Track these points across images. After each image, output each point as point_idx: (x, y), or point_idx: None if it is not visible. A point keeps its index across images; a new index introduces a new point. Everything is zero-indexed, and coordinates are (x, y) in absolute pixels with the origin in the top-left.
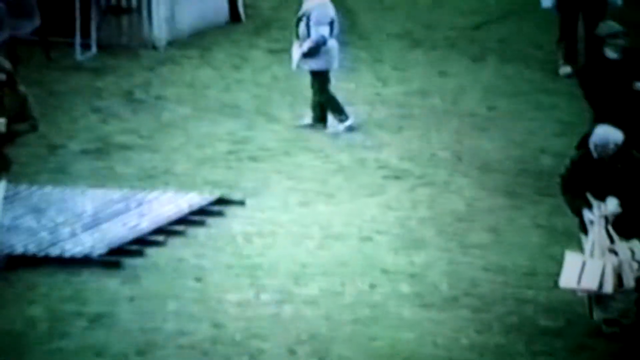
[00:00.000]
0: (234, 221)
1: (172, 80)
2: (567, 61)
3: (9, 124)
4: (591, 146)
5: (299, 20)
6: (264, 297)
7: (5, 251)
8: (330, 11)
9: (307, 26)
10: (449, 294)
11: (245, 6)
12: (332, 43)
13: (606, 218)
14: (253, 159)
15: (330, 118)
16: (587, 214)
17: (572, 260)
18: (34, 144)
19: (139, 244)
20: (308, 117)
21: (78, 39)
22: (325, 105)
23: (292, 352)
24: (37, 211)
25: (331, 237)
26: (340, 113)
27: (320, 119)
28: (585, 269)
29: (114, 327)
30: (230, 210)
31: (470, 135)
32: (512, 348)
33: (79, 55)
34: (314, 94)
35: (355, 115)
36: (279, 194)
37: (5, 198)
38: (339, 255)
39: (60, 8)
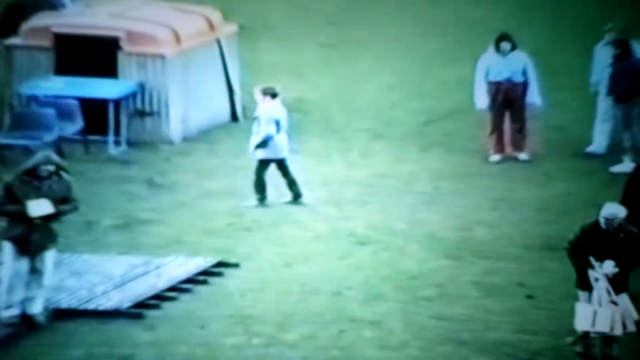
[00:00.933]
0: (231, 280)
1: (184, 168)
2: (496, 151)
3: (56, 205)
4: (601, 219)
5: (254, 119)
6: (255, 341)
7: (52, 306)
8: (278, 113)
9: (259, 125)
10: (402, 338)
11: (243, 108)
12: (279, 138)
13: (607, 276)
14: (247, 229)
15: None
16: (592, 273)
17: (584, 309)
18: (75, 221)
19: (157, 299)
20: (288, 196)
21: (111, 137)
22: (259, 184)
23: None
24: (77, 274)
25: (309, 292)
26: (260, 193)
27: (297, 196)
28: (597, 316)
29: None
30: (228, 271)
31: (420, 209)
32: None
33: (111, 150)
34: (285, 176)
35: (330, 192)
36: (267, 257)
37: (54, 264)
38: (315, 306)
39: (97, 112)
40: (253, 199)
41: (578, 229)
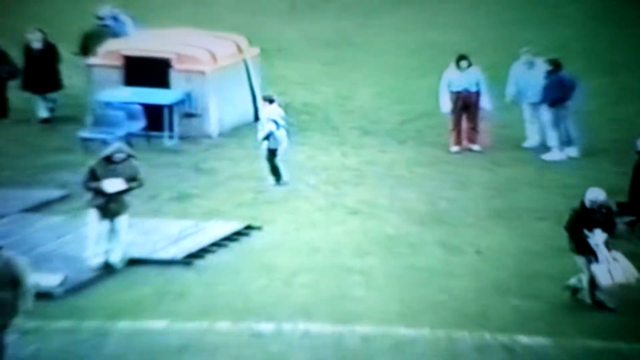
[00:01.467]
0: (256, 239)
1: (220, 157)
2: (455, 144)
3: (127, 183)
4: (586, 202)
5: (258, 120)
6: (275, 281)
7: (126, 256)
8: (274, 114)
9: (262, 124)
10: (383, 282)
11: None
12: (279, 133)
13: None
14: (267, 202)
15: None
16: (591, 241)
17: (600, 268)
18: (141, 194)
19: (202, 252)
20: (287, 177)
21: (166, 133)
22: (277, 168)
23: (306, 313)
24: (144, 233)
25: (313, 249)
26: (274, 175)
27: (278, 179)
28: (612, 271)
29: (189, 297)
30: (253, 233)
31: (398, 188)
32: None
33: (166, 143)
34: (269, 161)
35: (329, 175)
36: (282, 224)
37: (127, 226)
38: (318, 260)
39: (155, 114)
40: (271, 180)
41: (571, 212)
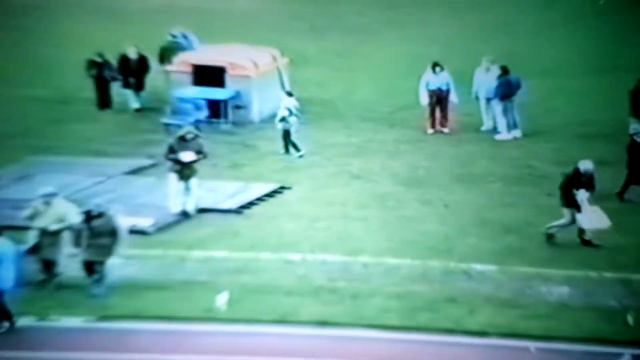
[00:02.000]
0: (287, 196)
1: (260, 137)
2: (431, 127)
3: (195, 155)
4: (581, 169)
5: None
6: (300, 225)
7: (197, 207)
8: (290, 104)
9: (279, 111)
10: (376, 225)
11: None
12: (291, 118)
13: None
14: (294, 169)
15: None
16: (578, 197)
17: (583, 217)
18: (206, 163)
19: (249, 204)
20: (303, 150)
21: (222, 120)
22: (294, 143)
23: (323, 247)
24: (210, 191)
25: (327, 203)
26: (297, 150)
27: (297, 150)
28: (592, 219)
29: (241, 235)
30: (285, 191)
31: (388, 160)
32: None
33: (223, 126)
34: (283, 138)
35: (338, 150)
36: (304, 185)
37: (197, 185)
38: (330, 211)
39: (215, 106)
40: (296, 154)
41: (564, 176)
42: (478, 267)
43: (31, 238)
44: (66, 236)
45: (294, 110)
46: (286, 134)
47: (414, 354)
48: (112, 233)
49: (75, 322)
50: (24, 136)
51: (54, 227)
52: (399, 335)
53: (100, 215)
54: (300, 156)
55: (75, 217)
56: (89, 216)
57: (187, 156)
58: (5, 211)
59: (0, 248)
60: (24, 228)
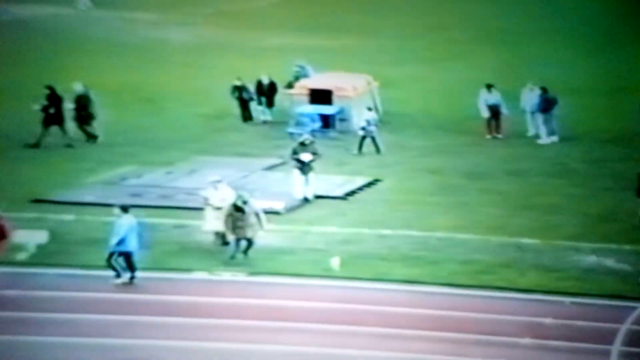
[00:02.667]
0: (379, 186)
1: (358, 143)
2: (488, 133)
3: (311, 155)
4: None
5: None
6: (390, 207)
7: (314, 194)
8: (369, 116)
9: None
10: (447, 210)
11: (380, 116)
12: (369, 127)
13: None
14: (384, 166)
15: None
16: None
17: None
18: (319, 162)
19: (352, 192)
20: (383, 149)
21: (331, 130)
22: (377, 145)
23: (407, 225)
24: (324, 182)
25: (408, 191)
26: (377, 149)
27: (378, 151)
28: None
29: (347, 216)
30: (378, 183)
31: (455, 159)
32: None
33: (331, 135)
34: (362, 141)
35: (418, 152)
36: (391, 178)
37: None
38: (411, 197)
39: (326, 119)
40: (376, 154)
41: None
42: (525, 240)
43: (206, 215)
44: (226, 214)
45: (371, 121)
46: (362, 139)
47: (477, 306)
48: (256, 215)
49: (228, 277)
50: (192, 141)
51: (220, 204)
52: (466, 291)
53: (246, 202)
54: (379, 154)
55: (232, 198)
56: (240, 203)
57: (306, 157)
58: (180, 196)
59: (128, 221)
60: (193, 209)
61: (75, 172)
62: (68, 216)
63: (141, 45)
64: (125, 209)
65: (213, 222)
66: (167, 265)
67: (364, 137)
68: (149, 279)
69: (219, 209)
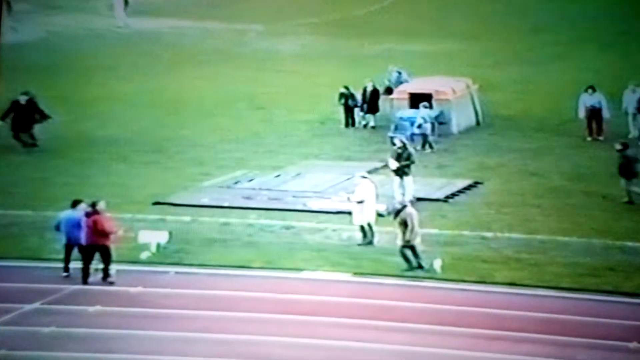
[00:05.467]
0: (481, 188)
1: (460, 144)
2: (588, 135)
3: (404, 161)
4: None
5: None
6: (488, 209)
7: (414, 197)
8: (425, 114)
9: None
10: (552, 221)
11: (481, 119)
12: (425, 125)
13: None
14: (485, 168)
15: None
16: None
17: None
18: (419, 165)
19: (453, 195)
20: (435, 149)
21: (432, 133)
22: (430, 143)
23: (509, 227)
24: (423, 185)
25: (511, 194)
26: (431, 147)
27: (431, 149)
28: None
29: (448, 217)
30: (479, 185)
31: (557, 161)
32: None
33: (431, 138)
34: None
35: (519, 154)
36: (494, 181)
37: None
38: (513, 199)
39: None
40: (429, 150)
41: None
42: (630, 243)
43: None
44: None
45: (427, 119)
46: (424, 137)
47: (582, 309)
48: (404, 223)
49: (333, 277)
50: (296, 146)
51: (361, 198)
52: (570, 294)
53: (404, 207)
54: (432, 151)
55: (373, 193)
56: (399, 209)
57: (391, 164)
58: (288, 199)
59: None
60: (302, 211)
61: (192, 176)
62: (186, 217)
63: (252, 55)
64: None
65: (358, 216)
66: (277, 265)
67: (425, 136)
68: (261, 277)
69: (361, 202)
